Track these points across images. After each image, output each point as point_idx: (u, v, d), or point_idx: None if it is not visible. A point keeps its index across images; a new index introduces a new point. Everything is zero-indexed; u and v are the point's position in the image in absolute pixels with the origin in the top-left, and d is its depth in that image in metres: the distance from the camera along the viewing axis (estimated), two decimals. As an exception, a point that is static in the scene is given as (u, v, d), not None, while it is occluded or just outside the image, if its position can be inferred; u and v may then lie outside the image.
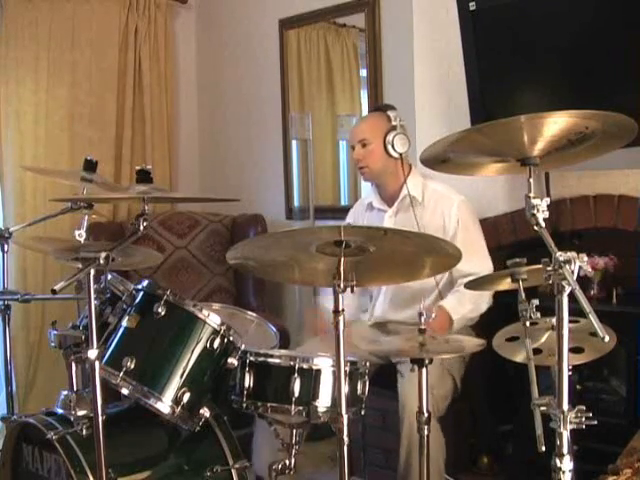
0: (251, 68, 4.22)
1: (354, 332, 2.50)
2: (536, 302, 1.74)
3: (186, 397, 1.98)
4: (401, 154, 2.61)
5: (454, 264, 1.95)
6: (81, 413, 2.10)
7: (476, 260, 2.56)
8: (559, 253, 1.42)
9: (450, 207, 2.64)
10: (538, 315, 1.75)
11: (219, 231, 3.90)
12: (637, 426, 2.38)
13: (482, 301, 2.57)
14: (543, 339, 1.86)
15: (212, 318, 2.04)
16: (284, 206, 4.10)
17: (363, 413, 2.07)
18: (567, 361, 1.43)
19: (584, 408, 1.44)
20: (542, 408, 1.49)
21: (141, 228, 1.90)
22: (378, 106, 2.89)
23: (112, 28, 4.07)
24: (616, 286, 2.80)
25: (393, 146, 2.60)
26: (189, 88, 4.54)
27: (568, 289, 1.41)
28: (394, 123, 2.62)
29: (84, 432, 2.03)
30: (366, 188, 3.57)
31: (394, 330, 2.70)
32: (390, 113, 2.65)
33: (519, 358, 1.86)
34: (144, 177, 1.96)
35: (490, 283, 2.08)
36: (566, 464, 1.43)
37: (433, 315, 2.36)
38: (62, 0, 3.90)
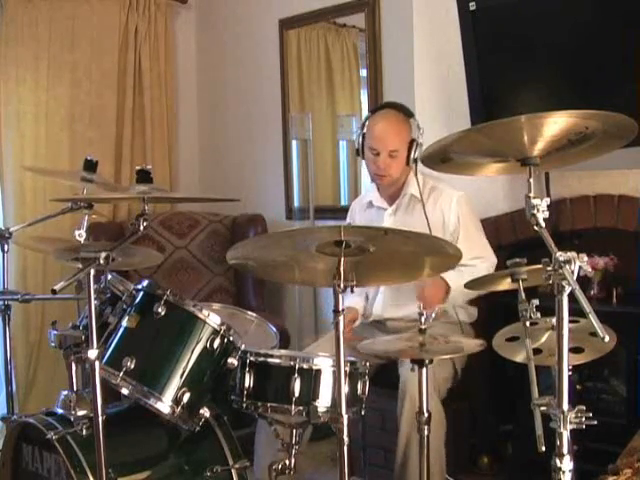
0: (251, 68, 4.22)
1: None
2: (536, 302, 1.74)
3: (186, 397, 1.98)
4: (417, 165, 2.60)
5: (454, 264, 1.95)
6: (81, 413, 2.10)
7: (477, 253, 2.60)
8: (559, 253, 1.42)
9: (449, 203, 2.66)
10: (538, 315, 1.75)
11: (219, 231, 3.90)
12: (637, 426, 2.37)
13: None
14: (543, 339, 1.86)
15: (212, 318, 2.04)
16: (284, 206, 4.09)
17: (363, 413, 2.07)
18: (567, 361, 1.43)
19: (584, 408, 1.44)
20: (542, 408, 1.49)
21: (141, 228, 1.90)
22: (399, 107, 2.69)
23: (112, 28, 4.06)
24: (616, 286, 2.80)
25: (416, 160, 2.58)
26: (189, 88, 4.54)
27: (568, 289, 1.41)
28: (417, 134, 2.60)
29: (84, 432, 2.03)
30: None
31: (393, 328, 2.70)
32: (412, 122, 2.63)
33: (519, 358, 1.86)
34: (144, 177, 1.96)
35: (490, 283, 2.08)
36: (566, 464, 1.43)
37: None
38: (62, 0, 3.90)
